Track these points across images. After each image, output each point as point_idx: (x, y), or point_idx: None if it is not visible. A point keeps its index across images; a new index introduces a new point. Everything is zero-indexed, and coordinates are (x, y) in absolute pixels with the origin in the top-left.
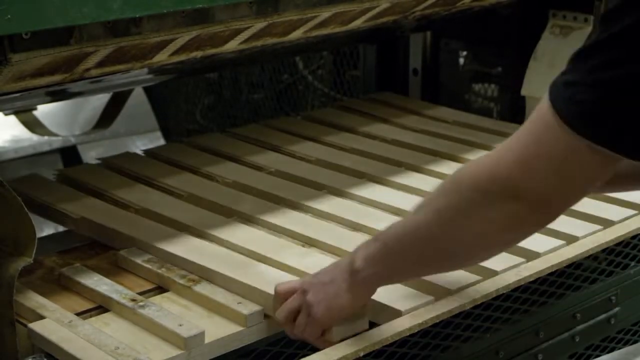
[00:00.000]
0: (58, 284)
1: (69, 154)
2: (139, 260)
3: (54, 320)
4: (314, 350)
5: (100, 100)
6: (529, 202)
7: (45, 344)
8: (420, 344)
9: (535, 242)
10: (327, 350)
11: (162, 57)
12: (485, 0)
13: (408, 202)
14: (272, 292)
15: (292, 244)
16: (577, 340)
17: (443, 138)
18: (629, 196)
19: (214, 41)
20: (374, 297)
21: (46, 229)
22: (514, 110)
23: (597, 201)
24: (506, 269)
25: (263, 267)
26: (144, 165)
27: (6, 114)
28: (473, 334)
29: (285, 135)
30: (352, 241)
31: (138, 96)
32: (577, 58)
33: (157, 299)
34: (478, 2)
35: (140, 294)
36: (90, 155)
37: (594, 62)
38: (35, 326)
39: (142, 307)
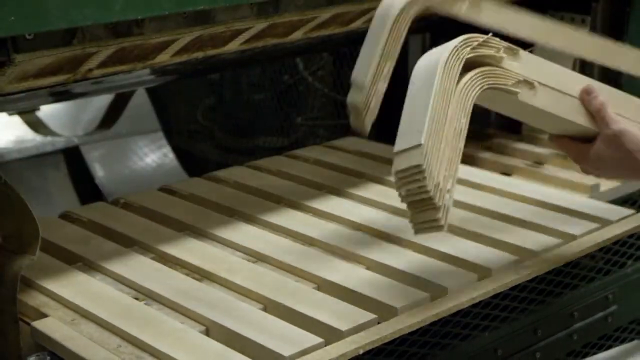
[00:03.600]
0: None
1: (72, 154)
2: None
3: (57, 319)
4: None
5: (103, 101)
6: None
7: (48, 341)
8: (419, 342)
9: (532, 240)
10: (327, 347)
11: (163, 58)
12: None
13: None
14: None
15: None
16: (574, 338)
17: None
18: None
19: (215, 42)
20: (373, 295)
21: None
22: None
23: (595, 200)
24: (503, 267)
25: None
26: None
27: (10, 114)
28: (471, 333)
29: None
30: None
31: (140, 97)
32: None
33: None
34: None
35: None
36: (93, 155)
37: None
38: (39, 324)
39: None
